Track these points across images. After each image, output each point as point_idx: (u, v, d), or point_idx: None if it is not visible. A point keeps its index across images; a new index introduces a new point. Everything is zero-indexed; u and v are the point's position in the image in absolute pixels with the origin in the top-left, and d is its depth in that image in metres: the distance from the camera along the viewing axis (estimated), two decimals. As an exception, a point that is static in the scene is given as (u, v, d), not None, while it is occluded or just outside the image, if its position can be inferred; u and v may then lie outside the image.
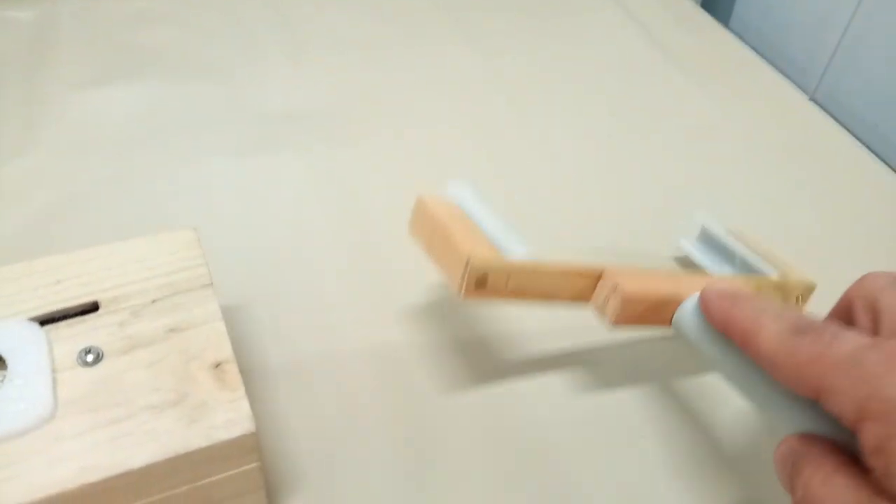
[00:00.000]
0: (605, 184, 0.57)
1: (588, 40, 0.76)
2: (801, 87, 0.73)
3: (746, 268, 0.44)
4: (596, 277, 0.36)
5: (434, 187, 0.54)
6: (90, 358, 0.31)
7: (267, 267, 0.47)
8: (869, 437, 0.23)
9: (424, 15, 0.77)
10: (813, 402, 0.26)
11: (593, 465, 0.38)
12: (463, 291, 0.32)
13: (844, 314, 0.31)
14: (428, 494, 0.36)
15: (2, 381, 0.30)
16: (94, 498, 0.28)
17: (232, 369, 0.31)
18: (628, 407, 0.41)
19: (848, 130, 0.67)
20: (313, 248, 0.49)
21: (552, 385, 0.42)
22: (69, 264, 0.35)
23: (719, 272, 0.45)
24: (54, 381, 0.30)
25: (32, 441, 0.28)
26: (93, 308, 0.34)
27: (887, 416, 0.23)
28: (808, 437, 0.27)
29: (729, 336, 0.30)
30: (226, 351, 0.32)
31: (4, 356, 0.31)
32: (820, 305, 0.45)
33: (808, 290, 0.43)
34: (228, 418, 0.29)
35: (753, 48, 0.78)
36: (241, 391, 0.30)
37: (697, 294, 0.33)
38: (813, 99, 0.73)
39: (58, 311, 0.33)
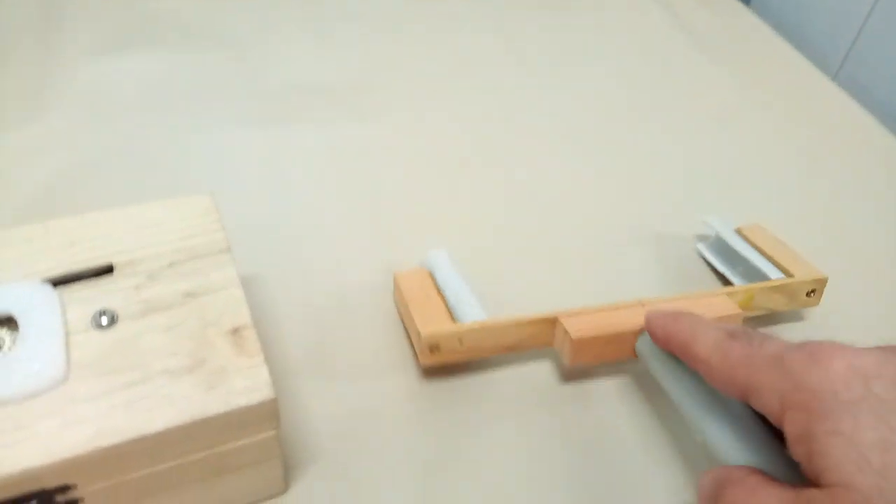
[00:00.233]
0: (626, 163, 0.56)
1: (611, 21, 0.75)
2: (824, 69, 0.72)
3: (752, 272, 0.44)
4: (552, 323, 0.38)
5: (450, 164, 0.53)
6: (105, 321, 0.30)
7: (281, 237, 0.47)
8: (792, 426, 0.25)
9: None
10: (750, 427, 0.29)
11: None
12: (420, 358, 0.38)
13: None
14: (448, 471, 0.35)
15: (14, 342, 0.29)
16: (108, 462, 0.27)
17: (250, 335, 0.30)
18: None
19: (870, 112, 0.65)
20: (328, 219, 0.48)
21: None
22: (84, 226, 0.34)
23: (731, 275, 0.46)
24: (68, 343, 0.29)
25: (45, 403, 0.27)
26: (107, 271, 0.33)
27: (807, 405, 0.25)
28: (731, 466, 0.28)
29: (671, 349, 0.33)
30: (244, 316, 0.31)
31: (17, 317, 0.30)
32: (841, 284, 0.44)
33: (819, 284, 0.43)
34: (247, 384, 0.29)
35: (776, 29, 0.77)
36: (260, 357, 0.30)
37: None
38: (835, 80, 0.71)
39: (72, 273, 0.32)
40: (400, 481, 0.35)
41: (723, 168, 0.57)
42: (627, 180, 0.55)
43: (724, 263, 0.47)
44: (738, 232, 0.47)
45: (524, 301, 0.42)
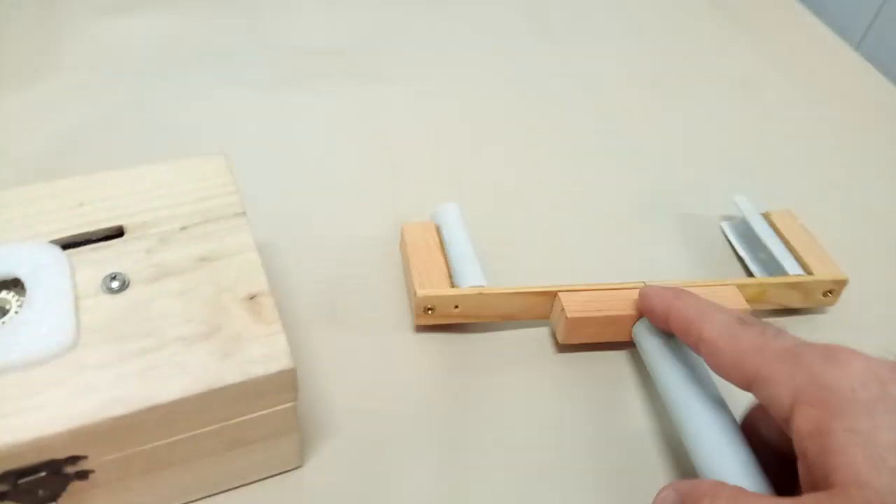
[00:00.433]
0: (646, 134, 0.54)
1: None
2: (847, 39, 0.69)
3: (771, 262, 0.43)
4: (551, 297, 0.38)
5: (463, 128, 0.52)
6: (115, 285, 0.29)
7: (294, 202, 0.45)
8: (805, 420, 0.24)
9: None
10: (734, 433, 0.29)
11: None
12: (415, 318, 0.38)
13: None
14: (467, 441, 0.34)
15: (21, 305, 0.28)
16: (120, 433, 0.26)
17: (268, 302, 0.29)
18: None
19: (893, 82, 0.63)
20: (341, 183, 0.47)
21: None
22: (93, 187, 0.33)
23: (749, 261, 0.44)
24: (77, 307, 0.28)
25: (54, 370, 0.26)
26: (118, 233, 0.31)
27: (823, 401, 0.24)
28: (689, 481, 0.27)
29: (670, 327, 0.32)
30: (261, 283, 0.30)
31: (24, 280, 0.28)
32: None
33: (838, 285, 0.41)
34: (264, 353, 0.27)
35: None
36: (278, 325, 0.28)
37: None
38: (858, 51, 0.69)
39: (80, 235, 0.31)
40: (419, 453, 0.34)
41: (745, 137, 0.55)
42: (647, 152, 0.53)
43: (745, 248, 0.45)
44: (766, 217, 0.45)
45: (527, 271, 0.41)
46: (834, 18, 0.73)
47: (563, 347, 0.39)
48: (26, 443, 0.24)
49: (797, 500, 0.23)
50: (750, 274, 0.44)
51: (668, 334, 0.34)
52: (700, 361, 0.33)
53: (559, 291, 0.37)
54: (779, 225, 0.44)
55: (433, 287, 0.37)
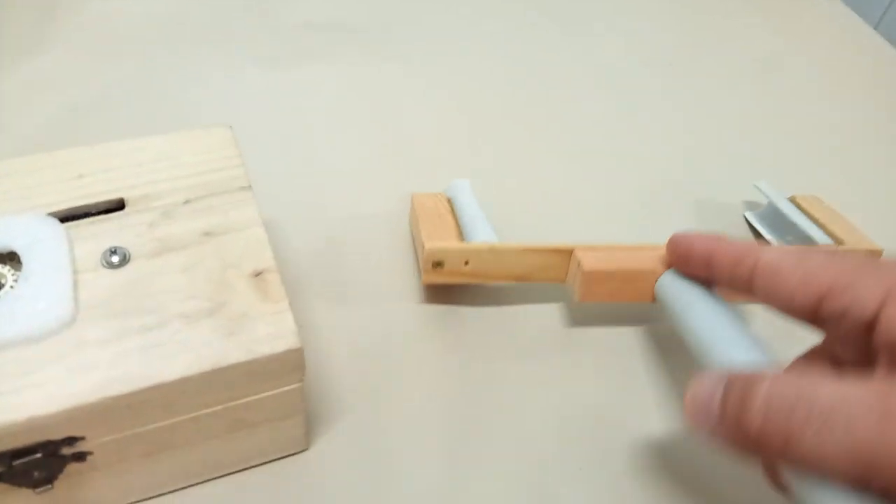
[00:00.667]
0: (662, 117, 0.53)
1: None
2: (866, 18, 0.68)
3: (801, 241, 0.41)
4: (566, 255, 0.36)
5: (475, 105, 0.50)
6: (115, 259, 0.28)
7: (300, 180, 0.44)
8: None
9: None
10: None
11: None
12: (422, 274, 0.36)
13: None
14: (476, 427, 0.33)
15: (17, 279, 0.27)
16: (119, 413, 0.25)
17: (274, 279, 0.28)
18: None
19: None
20: (348, 162, 0.46)
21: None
22: (94, 158, 0.32)
23: (778, 244, 0.42)
24: (75, 281, 0.27)
25: (52, 346, 0.25)
26: (118, 206, 0.30)
27: None
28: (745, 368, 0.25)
29: (711, 268, 0.30)
30: (267, 259, 0.29)
31: (20, 253, 0.27)
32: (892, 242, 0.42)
33: (874, 255, 0.39)
34: (271, 332, 0.26)
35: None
36: (285, 303, 0.27)
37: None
38: (877, 29, 0.68)
39: (80, 208, 0.30)
40: (427, 435, 0.33)
41: (765, 119, 0.54)
42: (663, 137, 0.51)
43: (773, 233, 0.44)
44: (792, 200, 0.44)
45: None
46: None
47: (575, 322, 0.38)
48: (21, 422, 0.23)
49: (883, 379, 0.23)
50: None
51: (701, 284, 0.32)
52: (738, 314, 0.31)
53: (575, 248, 0.35)
54: (807, 208, 0.43)
55: (442, 242, 0.35)
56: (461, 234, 0.37)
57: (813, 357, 0.29)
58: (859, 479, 0.21)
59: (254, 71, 0.52)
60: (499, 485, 0.31)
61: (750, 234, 0.45)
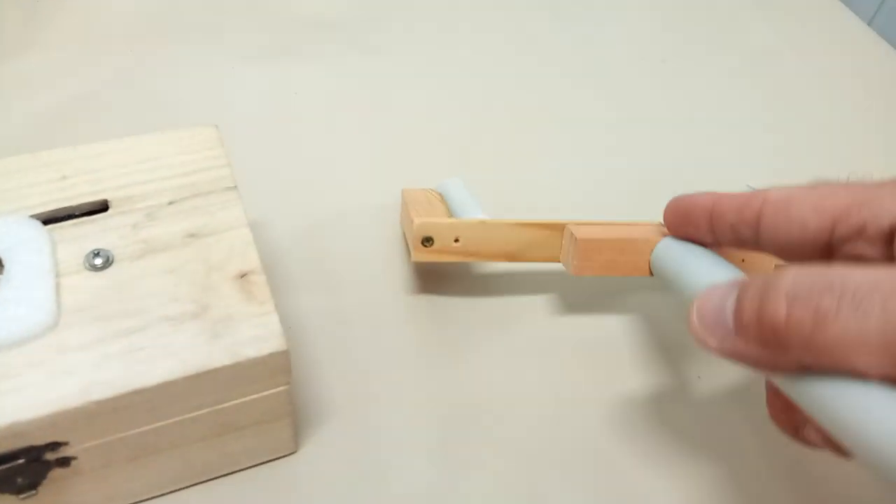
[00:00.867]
0: (659, 114, 0.53)
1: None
2: (859, 14, 0.67)
3: None
4: (558, 230, 0.35)
5: (465, 101, 0.50)
6: (99, 262, 0.27)
7: (288, 179, 0.44)
8: None
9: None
10: None
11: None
12: (413, 252, 0.34)
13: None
14: (467, 427, 0.33)
15: (-1, 283, 0.27)
16: (103, 418, 0.24)
17: (259, 280, 0.28)
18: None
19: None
20: (337, 161, 0.45)
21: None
22: (77, 159, 0.31)
23: None
24: (58, 285, 0.26)
25: (33, 351, 0.25)
26: (102, 208, 0.30)
27: None
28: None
29: (712, 220, 0.29)
30: (252, 260, 0.28)
31: (2, 256, 0.27)
32: None
33: None
34: (256, 334, 0.26)
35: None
36: (271, 305, 0.27)
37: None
38: (871, 25, 0.67)
39: (63, 209, 0.29)
40: (417, 436, 0.32)
41: (759, 113, 0.53)
42: (657, 134, 0.51)
43: None
44: None
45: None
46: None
47: (566, 310, 0.38)
48: (3, 428, 0.23)
49: None
50: None
51: (700, 247, 0.30)
52: (739, 271, 0.29)
53: (568, 223, 0.35)
54: None
55: (431, 217, 0.35)
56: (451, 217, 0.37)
57: None
58: (890, 368, 0.19)
59: (242, 67, 0.51)
60: (489, 484, 0.31)
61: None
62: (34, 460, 0.24)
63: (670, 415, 0.34)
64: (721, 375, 0.36)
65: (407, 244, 0.38)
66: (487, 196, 0.40)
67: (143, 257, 0.28)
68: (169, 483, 0.29)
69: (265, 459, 0.30)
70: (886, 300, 0.19)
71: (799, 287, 0.20)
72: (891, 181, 0.24)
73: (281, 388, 0.27)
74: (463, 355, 0.36)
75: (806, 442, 0.26)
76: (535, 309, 0.38)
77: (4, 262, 0.27)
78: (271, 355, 0.26)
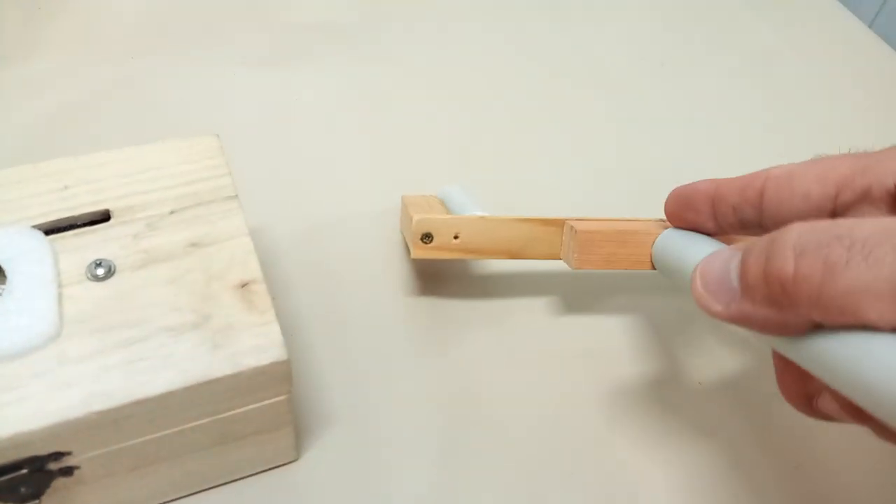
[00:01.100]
0: (658, 115, 0.53)
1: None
2: (860, 16, 0.67)
3: None
4: (559, 226, 0.35)
5: (465, 106, 0.50)
6: (101, 272, 0.28)
7: (289, 186, 0.44)
8: None
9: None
10: None
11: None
12: (412, 249, 0.34)
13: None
14: (469, 434, 0.33)
15: (0, 294, 0.27)
16: (105, 428, 0.24)
17: (260, 290, 0.28)
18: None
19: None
20: (337, 168, 0.45)
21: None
22: (78, 169, 0.31)
23: None
24: (60, 295, 0.27)
25: (35, 362, 0.25)
26: (104, 218, 0.30)
27: None
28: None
29: (716, 204, 0.28)
30: (253, 269, 0.28)
31: (4, 266, 0.27)
32: None
33: None
34: (256, 344, 0.26)
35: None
36: (271, 314, 0.27)
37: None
38: (872, 27, 0.67)
39: (65, 220, 0.29)
40: (418, 444, 0.32)
41: (761, 120, 0.53)
42: (656, 135, 0.51)
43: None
44: None
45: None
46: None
47: (566, 311, 0.38)
48: (6, 438, 0.23)
49: None
50: None
51: (703, 236, 0.30)
52: None
53: (567, 219, 0.35)
54: None
55: (431, 214, 0.34)
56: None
57: None
58: None
59: (243, 73, 0.51)
60: (490, 491, 0.31)
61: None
62: (37, 470, 0.24)
63: (670, 415, 0.34)
64: (721, 376, 0.36)
65: (406, 246, 0.38)
66: (487, 197, 0.40)
67: (145, 267, 0.28)
68: (170, 491, 0.29)
69: (267, 467, 0.31)
70: None
71: (806, 240, 0.19)
72: (891, 147, 0.24)
73: (282, 397, 0.28)
74: (463, 356, 0.36)
75: (821, 415, 0.25)
76: (534, 310, 0.38)
77: (7, 273, 0.27)
78: (272, 365, 0.26)
